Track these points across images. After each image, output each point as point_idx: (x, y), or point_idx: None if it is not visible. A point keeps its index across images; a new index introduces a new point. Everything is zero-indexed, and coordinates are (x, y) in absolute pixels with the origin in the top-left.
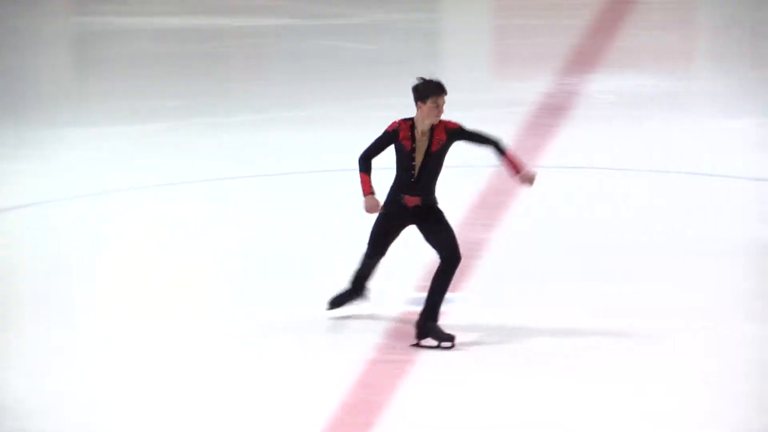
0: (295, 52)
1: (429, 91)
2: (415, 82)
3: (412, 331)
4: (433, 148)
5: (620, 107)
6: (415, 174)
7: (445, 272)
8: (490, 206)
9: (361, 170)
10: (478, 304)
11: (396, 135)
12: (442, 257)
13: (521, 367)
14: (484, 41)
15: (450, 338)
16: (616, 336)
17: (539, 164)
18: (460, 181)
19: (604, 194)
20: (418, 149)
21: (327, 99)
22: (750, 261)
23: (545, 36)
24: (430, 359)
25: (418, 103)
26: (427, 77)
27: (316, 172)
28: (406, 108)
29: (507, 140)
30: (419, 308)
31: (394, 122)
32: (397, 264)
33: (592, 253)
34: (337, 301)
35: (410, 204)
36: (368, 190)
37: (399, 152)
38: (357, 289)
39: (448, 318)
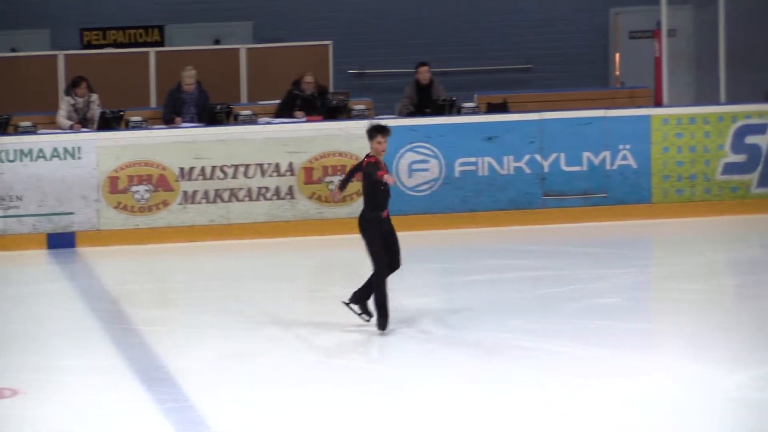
0: None
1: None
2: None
3: None
4: (386, 171)
5: None
6: (388, 192)
7: (387, 273)
8: None
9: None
10: None
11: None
12: (391, 262)
13: None
14: None
15: (370, 315)
16: None
17: None
18: None
19: None
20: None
21: None
22: None
23: None
24: None
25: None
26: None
27: None
28: None
29: None
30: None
31: (364, 159)
32: None
33: None
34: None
35: (385, 215)
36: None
37: (372, 179)
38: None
39: None
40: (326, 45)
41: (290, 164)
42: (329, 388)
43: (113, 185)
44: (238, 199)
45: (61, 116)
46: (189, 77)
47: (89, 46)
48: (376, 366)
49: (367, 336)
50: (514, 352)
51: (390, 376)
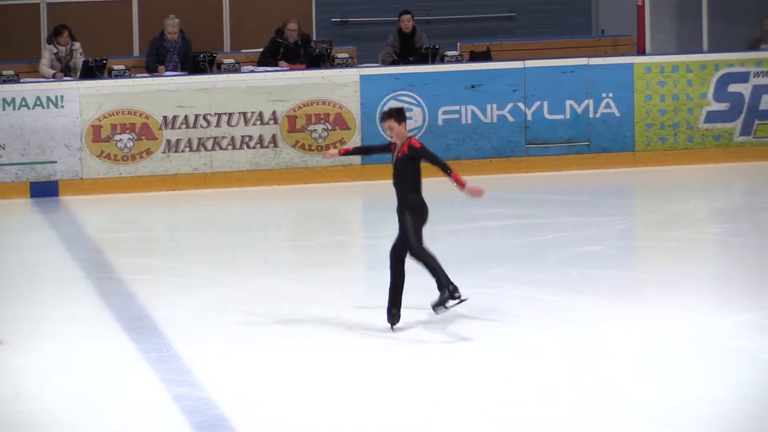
0: None
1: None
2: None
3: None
4: (398, 156)
5: None
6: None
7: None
8: None
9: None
10: None
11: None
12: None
13: None
14: None
15: (452, 293)
16: None
17: None
18: None
19: None
20: (394, 157)
21: None
22: None
23: None
24: None
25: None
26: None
27: None
28: None
29: None
30: None
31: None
32: None
33: None
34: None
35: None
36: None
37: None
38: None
39: None
40: None
41: (273, 113)
42: (313, 337)
43: (96, 134)
44: (221, 148)
45: (44, 65)
46: (172, 26)
47: None
48: (362, 314)
49: (352, 285)
50: (499, 301)
51: (375, 325)
